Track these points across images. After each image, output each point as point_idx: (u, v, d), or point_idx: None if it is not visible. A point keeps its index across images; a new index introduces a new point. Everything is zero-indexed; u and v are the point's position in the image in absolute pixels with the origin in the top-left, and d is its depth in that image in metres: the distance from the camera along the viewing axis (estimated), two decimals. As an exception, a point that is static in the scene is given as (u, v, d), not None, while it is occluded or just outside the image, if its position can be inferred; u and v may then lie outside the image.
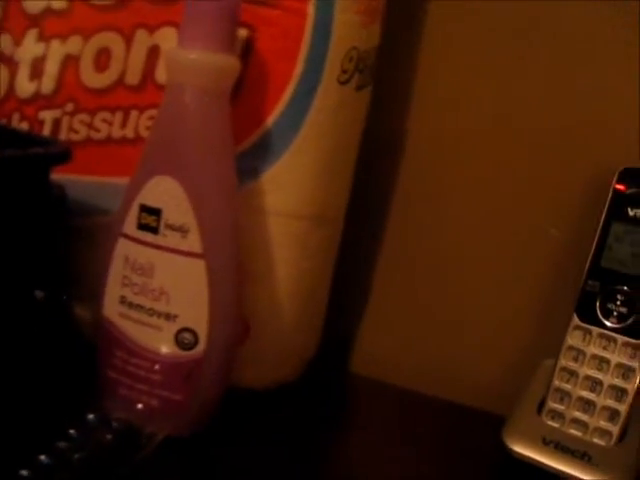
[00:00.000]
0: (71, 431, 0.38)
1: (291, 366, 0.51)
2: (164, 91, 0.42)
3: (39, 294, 0.46)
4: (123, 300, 0.43)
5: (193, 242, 0.41)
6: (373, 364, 0.58)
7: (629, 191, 0.46)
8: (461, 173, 0.56)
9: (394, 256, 0.58)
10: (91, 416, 0.40)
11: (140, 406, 0.42)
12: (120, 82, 0.47)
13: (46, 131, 0.49)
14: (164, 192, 0.41)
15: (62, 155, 0.43)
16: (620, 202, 0.46)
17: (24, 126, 0.49)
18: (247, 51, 0.44)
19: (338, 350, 0.60)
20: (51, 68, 0.48)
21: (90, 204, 0.48)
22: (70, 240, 0.47)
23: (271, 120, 0.45)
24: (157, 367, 0.43)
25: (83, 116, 0.48)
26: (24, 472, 0.35)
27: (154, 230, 0.41)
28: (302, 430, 0.49)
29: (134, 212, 0.42)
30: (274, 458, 0.45)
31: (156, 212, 0.41)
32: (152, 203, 0.41)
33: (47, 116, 0.48)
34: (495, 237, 0.55)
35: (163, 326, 0.42)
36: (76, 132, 0.48)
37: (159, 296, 0.42)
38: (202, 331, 0.42)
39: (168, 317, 0.42)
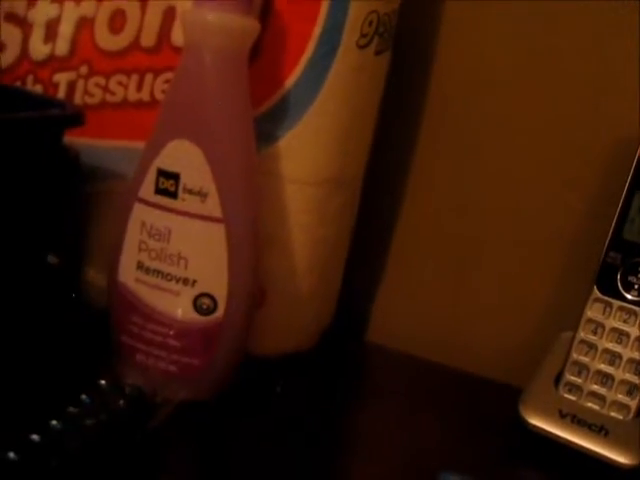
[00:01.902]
0: (83, 396, 0.38)
1: (307, 334, 0.51)
2: (181, 53, 0.41)
3: (52, 259, 0.46)
4: (140, 265, 0.42)
5: (213, 206, 0.40)
6: (388, 333, 0.57)
7: (654, 161, 0.45)
8: (481, 142, 0.55)
9: (411, 225, 0.58)
10: (103, 382, 0.40)
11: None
12: (135, 44, 0.46)
13: (61, 94, 0.48)
14: (182, 156, 0.40)
15: (75, 117, 0.42)
16: (644, 172, 0.46)
17: (38, 89, 0.48)
18: (265, 12, 0.43)
19: (353, 319, 0.59)
20: (65, 30, 0.47)
21: (105, 169, 0.47)
22: (85, 205, 0.47)
23: (289, 84, 0.44)
24: (171, 332, 0.42)
25: (98, 79, 0.47)
26: (35, 437, 0.35)
27: (172, 195, 0.41)
28: (317, 398, 0.49)
29: (151, 177, 0.41)
30: (288, 426, 0.45)
31: (174, 176, 0.40)
32: (170, 167, 0.40)
33: (62, 79, 0.48)
34: (515, 207, 0.54)
35: (181, 291, 0.41)
36: (91, 95, 0.47)
37: (177, 261, 0.41)
38: (221, 296, 0.41)
39: (186, 282, 0.41)
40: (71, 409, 0.36)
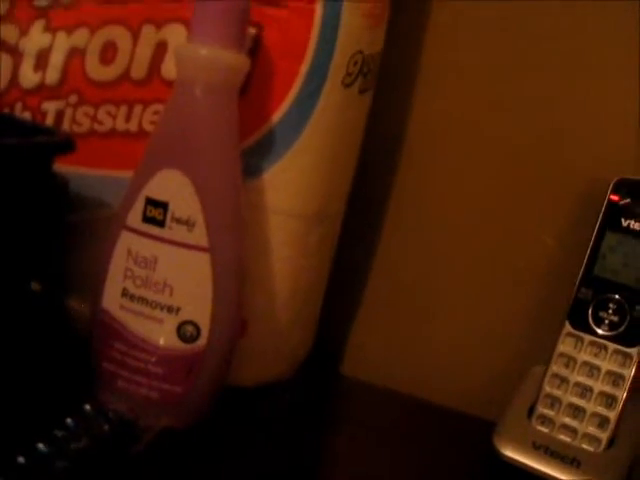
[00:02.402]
0: (68, 420, 0.38)
1: (285, 364, 0.51)
2: (173, 86, 0.42)
3: (35, 286, 0.46)
4: (125, 292, 0.43)
5: (199, 236, 0.41)
6: (364, 367, 0.58)
7: (623, 202, 0.47)
8: (455, 178, 0.56)
9: (387, 260, 0.59)
10: (88, 407, 0.40)
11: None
12: (125, 76, 0.47)
13: (49, 122, 0.48)
14: (171, 185, 0.41)
15: (66, 145, 0.43)
16: (614, 212, 0.47)
17: (27, 116, 0.49)
18: (255, 49, 0.44)
19: (330, 352, 0.59)
20: (56, 59, 0.48)
21: (91, 198, 0.48)
22: (70, 233, 0.47)
23: (275, 119, 0.45)
24: (153, 359, 0.43)
25: (87, 108, 0.48)
26: (21, 459, 0.35)
27: (160, 223, 0.41)
28: (292, 429, 0.49)
29: (139, 205, 0.42)
30: (263, 456, 0.45)
31: (163, 205, 0.41)
32: (158, 196, 0.41)
33: (50, 107, 0.48)
34: (488, 243, 0.55)
35: (165, 319, 0.42)
36: (79, 124, 0.48)
37: (162, 289, 0.42)
38: (204, 324, 0.42)
39: (170, 310, 0.42)
40: (57, 432, 0.37)
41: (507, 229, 0.55)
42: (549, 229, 0.53)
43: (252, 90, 0.45)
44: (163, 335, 0.42)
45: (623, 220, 0.47)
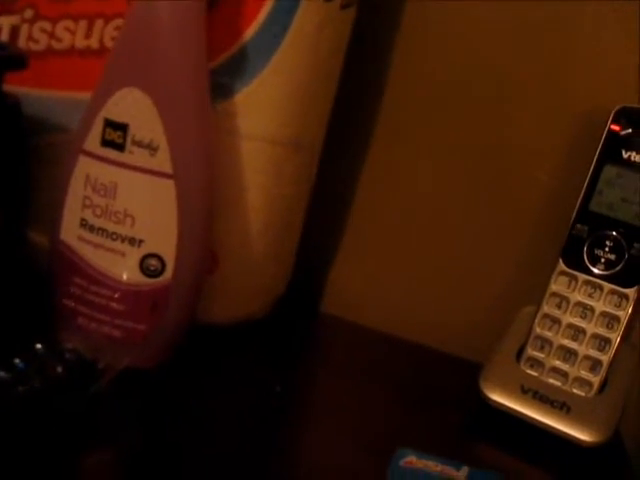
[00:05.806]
0: (16, 361, 0.36)
1: (260, 301, 0.50)
2: (134, -4, 0.39)
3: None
4: (83, 223, 0.40)
5: (162, 161, 0.38)
6: (345, 304, 0.56)
7: (624, 132, 0.44)
8: (445, 111, 0.53)
9: (369, 195, 0.56)
10: (40, 346, 0.37)
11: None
12: (85, -12, 0.44)
13: (3, 39, 0.45)
14: (131, 105, 0.38)
15: (16, 60, 0.39)
16: (614, 143, 0.44)
17: (-22, 32, 0.45)
18: (225, -43, 0.41)
19: (309, 289, 0.58)
20: (9, -31, 0.44)
21: (49, 120, 0.45)
22: (27, 159, 0.44)
23: (248, 35, 0.42)
24: (117, 295, 0.40)
25: (44, 24, 0.44)
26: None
27: (119, 147, 0.39)
28: (267, 368, 0.47)
29: (97, 127, 0.39)
30: (236, 395, 0.43)
31: (122, 127, 0.38)
32: (118, 117, 0.38)
33: (4, 23, 0.45)
34: (478, 178, 0.53)
35: (127, 251, 0.40)
36: (36, 41, 0.45)
37: (123, 219, 0.39)
38: (169, 257, 0.39)
39: (133, 242, 0.39)
40: (2, 374, 0.34)
41: (498, 163, 0.52)
42: (543, 164, 0.51)
43: (222, 3, 0.41)
44: (125, 269, 0.40)
45: (624, 152, 0.44)
